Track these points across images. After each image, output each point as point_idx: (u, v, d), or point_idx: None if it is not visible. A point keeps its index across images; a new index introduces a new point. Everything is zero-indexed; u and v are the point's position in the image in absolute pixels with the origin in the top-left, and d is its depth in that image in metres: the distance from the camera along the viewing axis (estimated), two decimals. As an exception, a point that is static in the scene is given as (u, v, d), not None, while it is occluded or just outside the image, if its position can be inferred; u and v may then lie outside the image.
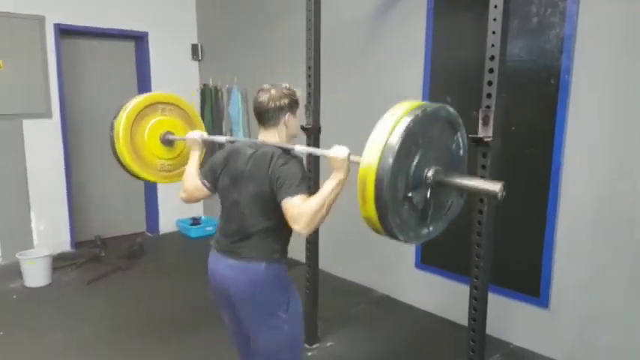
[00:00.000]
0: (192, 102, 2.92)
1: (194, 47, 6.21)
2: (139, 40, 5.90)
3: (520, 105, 3.19)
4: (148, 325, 3.88)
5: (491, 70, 2.24)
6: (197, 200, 2.54)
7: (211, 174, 2.40)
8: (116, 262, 5.12)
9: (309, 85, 3.29)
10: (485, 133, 2.25)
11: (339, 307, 4.10)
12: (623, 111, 2.86)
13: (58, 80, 5.24)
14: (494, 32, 2.21)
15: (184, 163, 2.79)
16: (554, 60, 3.08)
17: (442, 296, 3.93)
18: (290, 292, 2.28)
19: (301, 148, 2.20)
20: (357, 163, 1.83)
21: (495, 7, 2.19)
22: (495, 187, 1.79)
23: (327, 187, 2.01)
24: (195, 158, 2.59)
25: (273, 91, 2.22)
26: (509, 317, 3.44)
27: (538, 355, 3.35)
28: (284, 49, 5.01)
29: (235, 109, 5.60)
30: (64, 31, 5.30)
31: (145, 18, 5.79)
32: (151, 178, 3.05)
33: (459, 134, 1.97)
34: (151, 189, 6.19)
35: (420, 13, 3.78)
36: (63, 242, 5.44)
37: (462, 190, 1.97)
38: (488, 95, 2.25)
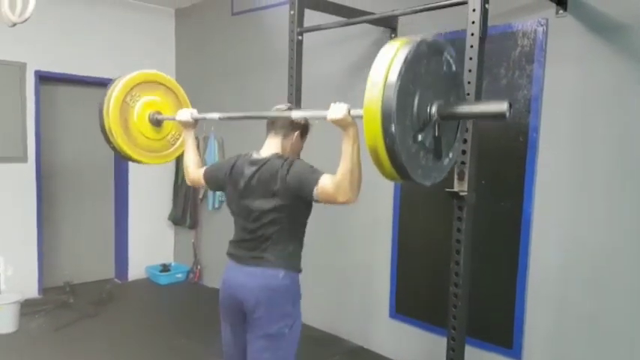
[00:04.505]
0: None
1: (172, 95, 6.29)
2: (118, 87, 5.95)
3: (491, 161, 3.34)
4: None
5: (466, 130, 2.36)
6: (202, 187, 2.73)
7: (213, 179, 2.57)
8: (85, 308, 5.01)
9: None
10: (461, 187, 2.36)
11: (314, 358, 4.09)
12: (587, 165, 3.03)
13: (36, 125, 5.26)
14: (468, 94, 2.35)
15: (171, 145, 2.97)
16: (523, 119, 3.25)
17: (416, 347, 3.95)
18: (298, 308, 2.37)
19: (299, 113, 2.26)
20: (360, 117, 1.78)
21: (470, 70, 2.35)
22: (502, 106, 1.71)
23: (346, 147, 2.01)
24: (190, 140, 2.69)
25: (293, 108, 2.42)
26: (482, 368, 3.49)
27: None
28: (261, 100, 5.12)
29: (212, 156, 5.67)
30: (44, 78, 5.34)
31: (125, 67, 5.77)
32: (140, 158, 2.96)
33: (445, 53, 1.87)
34: (121, 234, 6.14)
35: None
36: (30, 288, 5.30)
37: (469, 118, 1.92)
38: (463, 152, 2.37)
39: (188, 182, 2.76)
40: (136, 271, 6.20)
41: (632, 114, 2.85)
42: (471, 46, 2.37)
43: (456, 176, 2.38)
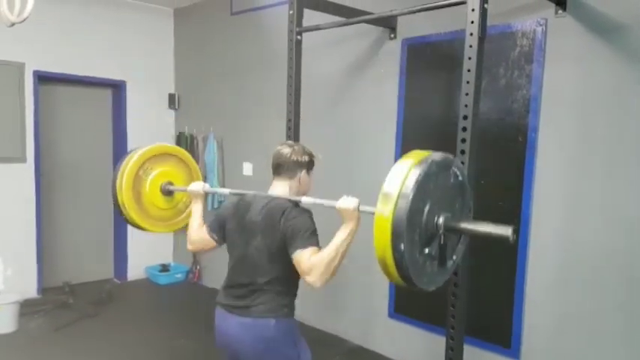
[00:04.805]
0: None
1: (171, 97, 6.29)
2: (117, 88, 5.96)
3: (489, 160, 3.34)
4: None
5: (464, 129, 2.37)
6: (204, 251, 2.58)
7: (218, 225, 2.44)
8: (84, 308, 5.01)
9: (288, 137, 3.40)
10: (460, 187, 2.36)
11: (313, 358, 4.07)
12: (587, 165, 3.03)
13: (35, 125, 5.26)
14: (467, 94, 2.36)
15: (181, 212, 2.90)
16: (522, 119, 3.25)
17: (416, 346, 3.96)
18: (300, 347, 2.30)
19: (308, 200, 2.19)
20: (367, 213, 1.82)
21: (468, 70, 2.34)
22: (507, 231, 1.76)
23: (339, 237, 2.02)
24: (197, 210, 2.62)
25: (295, 147, 2.34)
26: (481, 367, 3.49)
27: (510, 406, 3.38)
28: (260, 99, 5.14)
29: (210, 156, 5.66)
30: (43, 78, 5.34)
31: (124, 67, 5.87)
32: (151, 227, 2.96)
33: (452, 167, 1.92)
34: (120, 235, 6.13)
35: (393, 69, 3.97)
36: (30, 288, 5.31)
37: (473, 235, 1.94)
38: (462, 152, 2.37)
39: (190, 247, 2.59)
40: (135, 271, 6.20)
41: (632, 114, 2.85)
42: (470, 46, 2.37)
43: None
